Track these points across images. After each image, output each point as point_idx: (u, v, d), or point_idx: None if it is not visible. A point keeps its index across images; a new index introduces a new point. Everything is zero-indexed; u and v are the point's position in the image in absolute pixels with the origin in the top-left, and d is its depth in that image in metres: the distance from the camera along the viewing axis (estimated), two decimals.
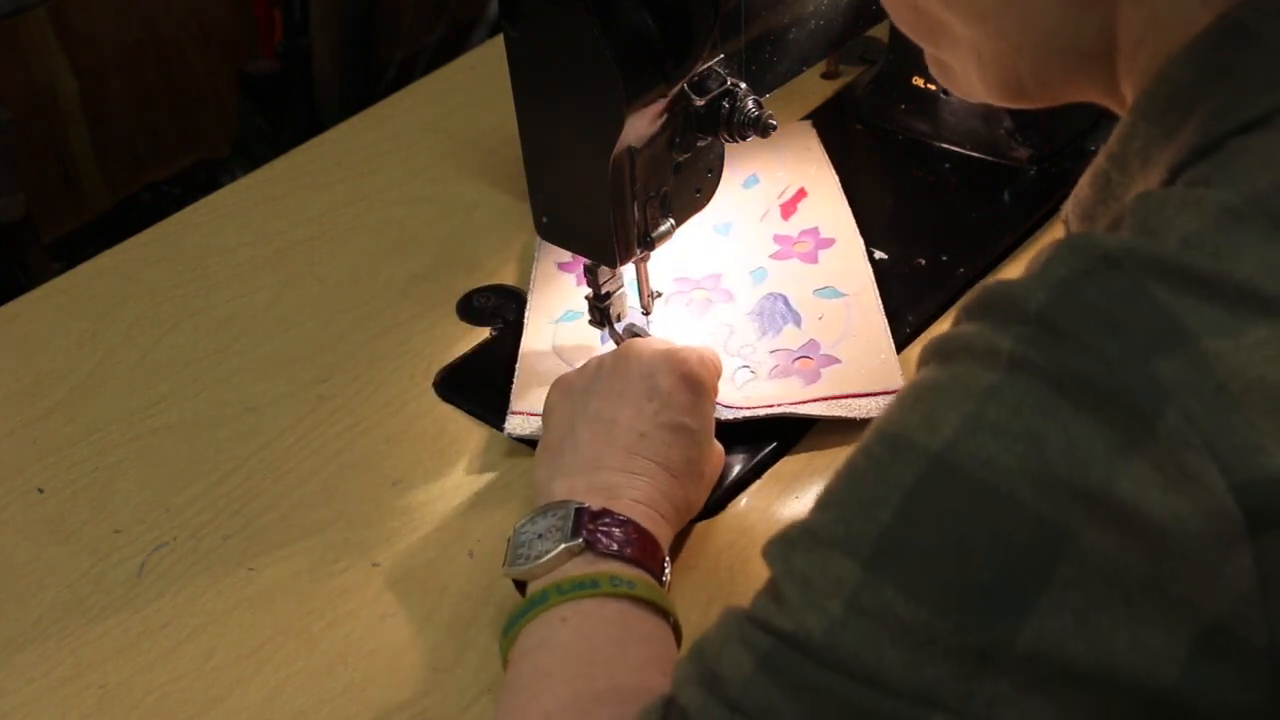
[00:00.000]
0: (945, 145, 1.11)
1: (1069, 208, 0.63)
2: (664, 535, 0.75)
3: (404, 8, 2.19)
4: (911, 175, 1.10)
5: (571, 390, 0.81)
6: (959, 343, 0.51)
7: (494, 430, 0.90)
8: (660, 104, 0.77)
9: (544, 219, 0.85)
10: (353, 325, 0.99)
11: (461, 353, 0.96)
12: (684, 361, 0.80)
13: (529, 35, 0.77)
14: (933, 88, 1.10)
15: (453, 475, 0.87)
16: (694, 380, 0.79)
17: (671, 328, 0.93)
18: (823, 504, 0.52)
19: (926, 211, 1.06)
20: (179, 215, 1.12)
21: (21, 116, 1.81)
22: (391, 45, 2.17)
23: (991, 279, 0.53)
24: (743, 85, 0.80)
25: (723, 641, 0.52)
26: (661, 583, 0.72)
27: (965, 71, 0.66)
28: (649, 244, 0.83)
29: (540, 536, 0.72)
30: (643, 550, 0.71)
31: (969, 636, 0.47)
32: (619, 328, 0.89)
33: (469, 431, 0.90)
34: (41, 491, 0.88)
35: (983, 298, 0.52)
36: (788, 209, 1.04)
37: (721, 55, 0.79)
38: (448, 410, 0.92)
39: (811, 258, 0.99)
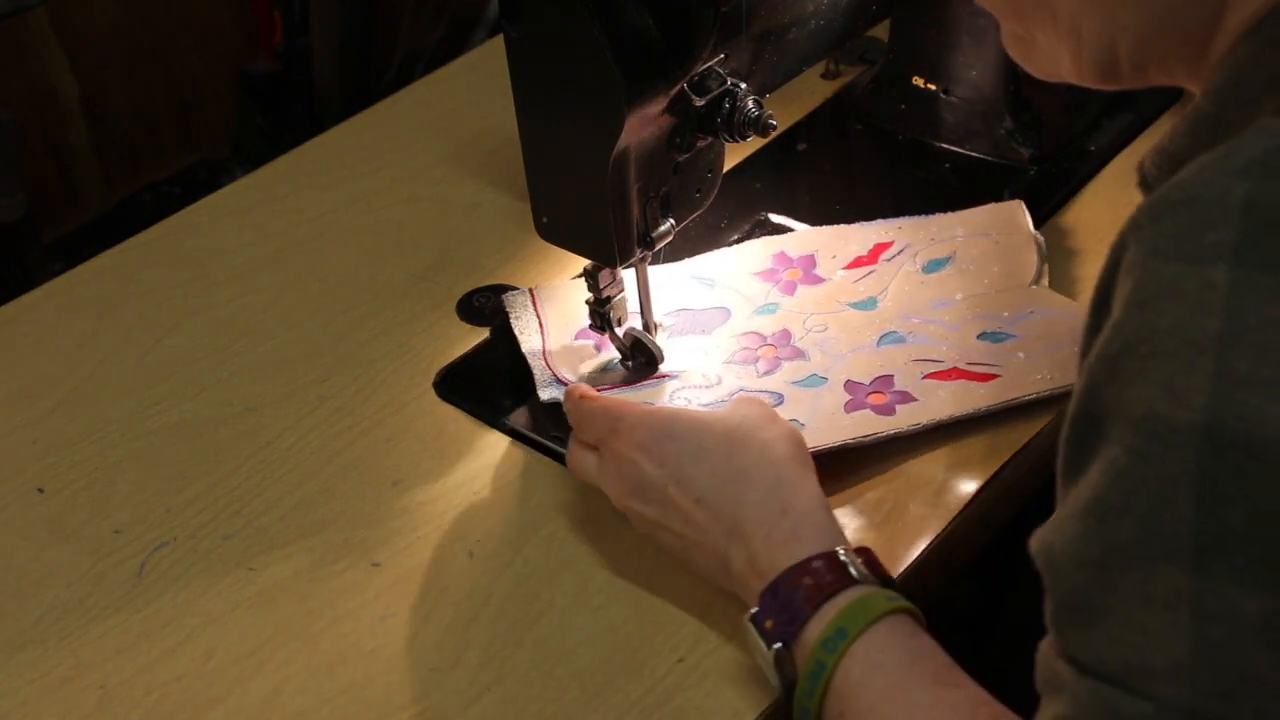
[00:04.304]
0: (945, 145, 1.11)
1: (1149, 163, 0.60)
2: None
3: (404, 8, 2.19)
4: (911, 175, 1.10)
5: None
6: (1156, 281, 0.46)
7: (494, 430, 0.90)
8: (660, 104, 0.77)
9: (544, 219, 0.85)
10: (353, 325, 0.99)
11: (461, 353, 0.96)
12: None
13: (529, 35, 0.77)
14: (933, 87, 1.10)
15: (453, 475, 0.87)
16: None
17: (695, 360, 0.92)
18: (1103, 511, 0.49)
19: (926, 211, 1.05)
20: (179, 215, 1.12)
21: (21, 116, 1.81)
22: (391, 45, 2.16)
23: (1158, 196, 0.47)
24: (743, 85, 0.80)
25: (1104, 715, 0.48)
26: (865, 577, 0.68)
27: (1054, 49, 0.64)
28: (649, 244, 0.83)
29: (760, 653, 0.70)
30: (807, 600, 0.68)
31: None
32: (620, 333, 0.89)
33: (469, 431, 0.90)
34: (41, 491, 0.88)
35: (1156, 211, 0.47)
36: (952, 376, 0.88)
37: (722, 55, 0.79)
38: (448, 410, 0.92)
39: (859, 404, 0.87)
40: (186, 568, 0.82)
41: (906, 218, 1.01)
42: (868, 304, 0.95)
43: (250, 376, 0.95)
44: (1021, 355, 0.89)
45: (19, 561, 0.83)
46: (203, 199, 1.13)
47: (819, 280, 0.98)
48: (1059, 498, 0.54)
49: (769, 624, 0.69)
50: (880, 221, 1.01)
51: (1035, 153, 1.08)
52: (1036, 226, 1.00)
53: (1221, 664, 0.46)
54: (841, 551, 0.70)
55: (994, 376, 0.88)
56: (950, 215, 1.01)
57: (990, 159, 1.09)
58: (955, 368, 0.89)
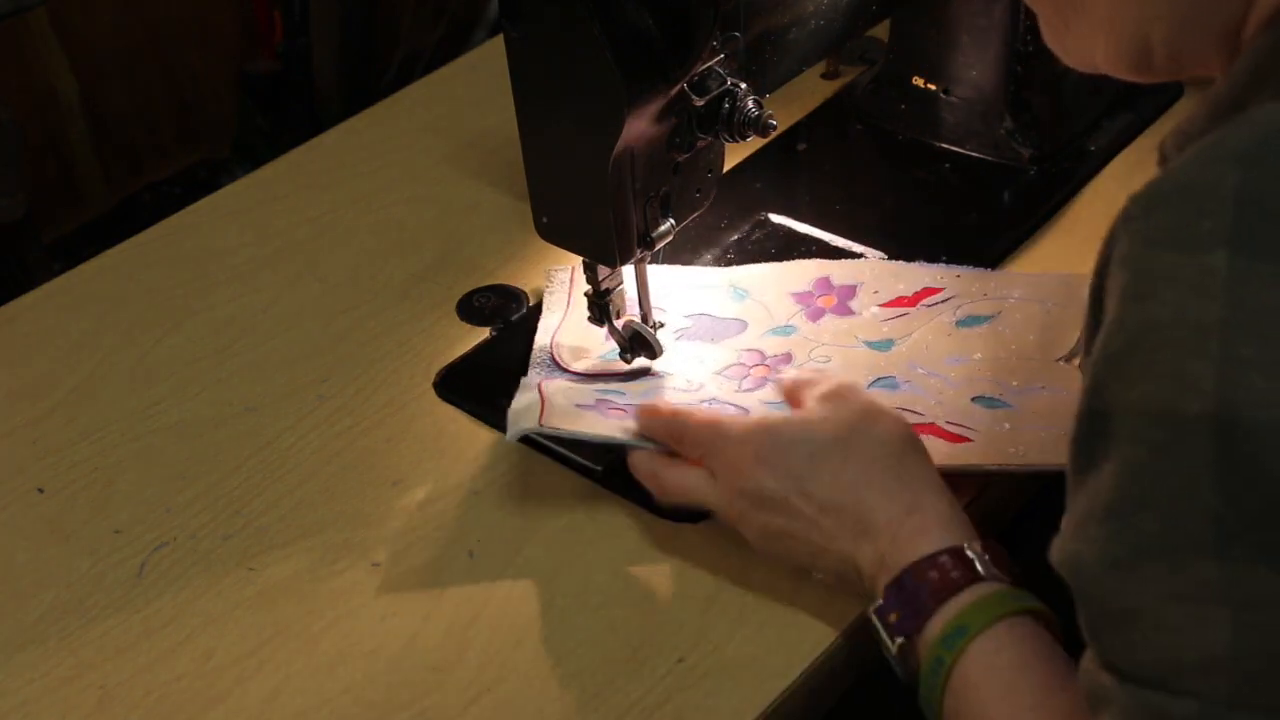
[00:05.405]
0: (945, 145, 1.11)
1: (1169, 143, 0.60)
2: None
3: (404, 8, 2.19)
4: (911, 175, 1.10)
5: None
6: (1153, 271, 0.47)
7: (494, 430, 0.90)
8: (660, 104, 0.77)
9: (544, 219, 0.85)
10: (353, 325, 0.99)
11: (461, 353, 0.96)
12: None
13: (529, 35, 0.77)
14: (933, 88, 1.10)
15: (453, 475, 0.87)
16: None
17: (689, 367, 0.91)
18: (1125, 510, 0.49)
19: (926, 211, 1.06)
20: (179, 215, 1.12)
21: (21, 116, 1.81)
22: (391, 45, 2.17)
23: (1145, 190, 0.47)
24: (743, 85, 0.80)
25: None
26: (992, 574, 0.68)
27: (1088, 39, 0.64)
28: (649, 244, 0.84)
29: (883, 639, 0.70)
30: (932, 595, 0.67)
31: None
32: (618, 324, 0.89)
33: (469, 431, 0.90)
34: (41, 491, 0.88)
35: (1150, 202, 0.47)
36: (923, 430, 0.84)
37: (722, 55, 0.79)
38: (448, 410, 0.92)
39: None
40: (186, 568, 0.82)
41: (970, 267, 0.96)
42: (883, 345, 0.92)
43: (250, 376, 0.95)
44: (1006, 426, 0.85)
45: (19, 561, 0.83)
46: (203, 199, 1.13)
47: (849, 313, 0.95)
48: (1069, 498, 0.54)
49: (893, 617, 0.68)
50: (941, 265, 0.97)
51: (1035, 153, 1.08)
52: (1034, 228, 1.00)
53: (1259, 648, 0.46)
54: (968, 547, 0.69)
55: (966, 440, 0.84)
56: (1016, 275, 0.97)
57: (990, 159, 1.09)
58: (933, 424, 0.85)
